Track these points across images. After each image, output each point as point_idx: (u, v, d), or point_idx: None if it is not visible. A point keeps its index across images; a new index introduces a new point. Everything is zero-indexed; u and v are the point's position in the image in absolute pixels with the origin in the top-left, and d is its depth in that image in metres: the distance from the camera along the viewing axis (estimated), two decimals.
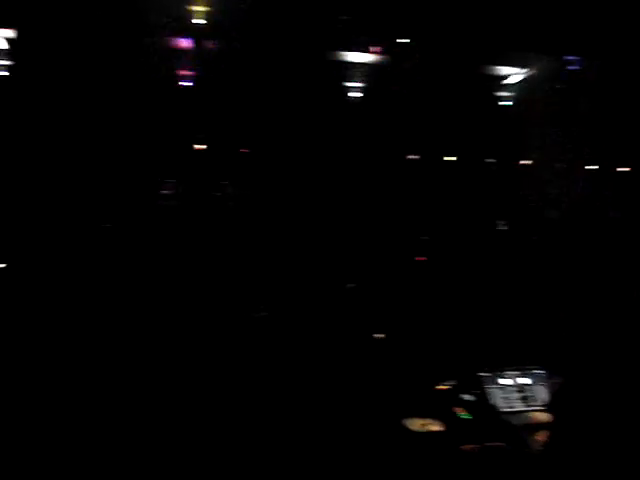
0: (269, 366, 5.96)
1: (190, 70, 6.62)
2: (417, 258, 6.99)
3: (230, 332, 6.23)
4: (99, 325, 5.97)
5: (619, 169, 7.33)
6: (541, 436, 5.07)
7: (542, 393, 5.50)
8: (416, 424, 5.28)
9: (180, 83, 6.67)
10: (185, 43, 6.50)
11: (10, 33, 6.13)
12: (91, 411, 5.47)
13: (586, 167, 7.34)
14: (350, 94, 7.01)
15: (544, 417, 5.25)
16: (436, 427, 5.26)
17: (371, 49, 6.83)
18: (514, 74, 7.04)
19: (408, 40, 6.65)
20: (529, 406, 5.48)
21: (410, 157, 7.20)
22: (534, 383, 5.56)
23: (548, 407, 5.28)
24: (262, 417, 5.58)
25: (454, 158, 7.25)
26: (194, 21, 6.36)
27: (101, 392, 5.59)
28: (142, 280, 6.30)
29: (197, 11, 6.36)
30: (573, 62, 6.86)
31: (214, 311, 6.30)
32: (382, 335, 6.39)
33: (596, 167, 7.35)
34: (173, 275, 6.42)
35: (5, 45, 6.16)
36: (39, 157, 6.31)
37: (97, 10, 6.08)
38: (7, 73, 6.20)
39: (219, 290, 6.44)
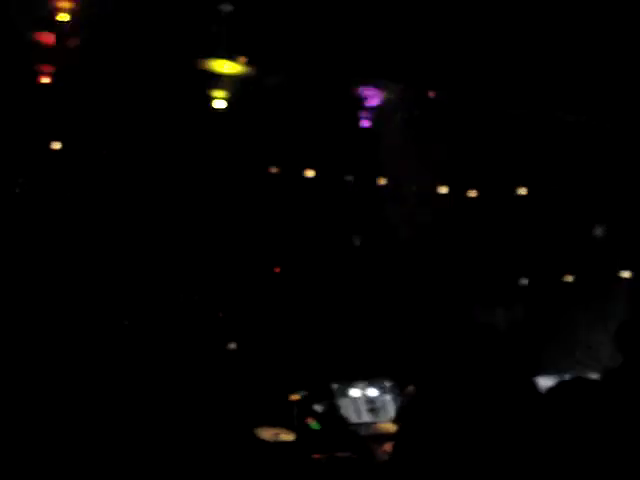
0: (122, 374, 5.87)
1: (50, 66, 6.45)
2: (273, 270, 7.07)
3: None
4: None
5: (469, 193, 7.69)
6: (387, 447, 5.24)
7: (390, 405, 5.69)
8: (267, 433, 5.34)
9: (40, 79, 6.49)
10: (47, 38, 6.33)
11: None
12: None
13: (437, 190, 7.65)
14: (214, 105, 7.01)
15: (391, 428, 5.42)
16: (287, 436, 5.34)
17: (238, 60, 6.87)
18: (375, 97, 7.27)
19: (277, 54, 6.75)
20: (377, 417, 5.65)
21: (271, 170, 7.28)
22: (383, 395, 5.74)
23: (395, 418, 5.46)
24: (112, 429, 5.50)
25: (313, 174, 7.39)
26: (58, 17, 6.21)
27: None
28: None
29: (61, 7, 6.22)
30: (431, 91, 7.16)
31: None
32: (235, 345, 6.42)
33: (446, 190, 7.68)
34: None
35: None
36: None
37: None
38: None
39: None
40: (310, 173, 7.40)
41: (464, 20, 6.66)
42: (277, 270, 7.07)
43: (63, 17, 6.30)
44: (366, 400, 5.71)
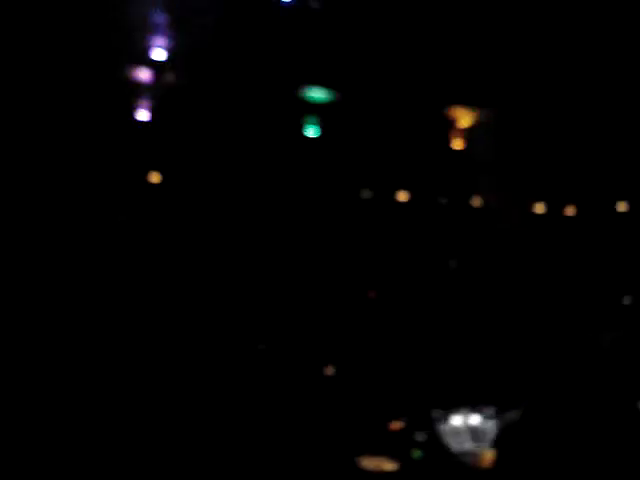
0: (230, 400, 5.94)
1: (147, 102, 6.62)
2: (368, 294, 7.05)
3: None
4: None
5: (567, 211, 7.52)
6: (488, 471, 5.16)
7: (494, 432, 5.58)
8: (369, 463, 5.31)
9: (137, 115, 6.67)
10: (144, 75, 6.50)
11: None
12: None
13: (534, 210, 7.51)
14: (305, 131, 7.08)
15: (494, 455, 5.33)
16: (389, 466, 5.30)
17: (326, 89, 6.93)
18: (462, 117, 7.21)
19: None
20: (481, 445, 5.55)
21: (363, 194, 7.29)
22: (486, 421, 5.64)
23: (495, 444, 5.37)
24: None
25: (406, 197, 7.36)
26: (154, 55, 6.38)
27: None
28: None
29: (157, 44, 6.39)
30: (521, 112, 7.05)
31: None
32: (333, 371, 6.41)
33: (543, 209, 7.53)
34: None
35: None
36: None
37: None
38: None
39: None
40: (403, 196, 7.38)
41: (558, 40, 6.55)
42: (372, 295, 7.05)
43: (159, 54, 6.48)
44: (469, 427, 5.62)
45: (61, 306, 6.18)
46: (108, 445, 5.34)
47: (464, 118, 7.08)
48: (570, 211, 7.61)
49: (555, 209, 7.57)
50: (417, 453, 5.44)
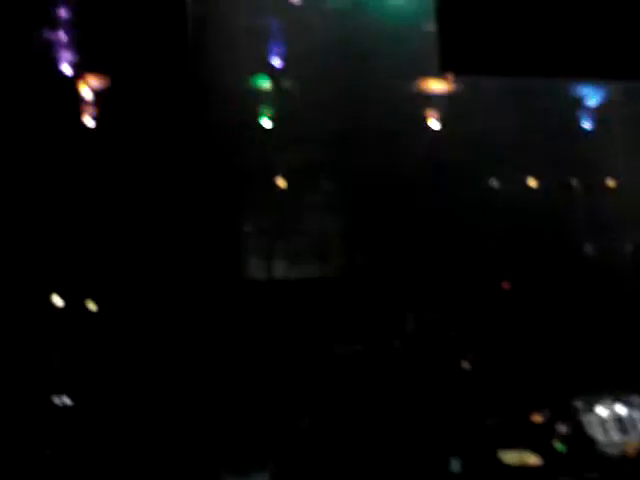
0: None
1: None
2: (504, 285, 6.91)
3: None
4: None
5: None
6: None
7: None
8: (511, 457, 5.20)
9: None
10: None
11: None
12: None
13: None
14: (429, 124, 7.00)
15: None
16: (532, 460, 5.17)
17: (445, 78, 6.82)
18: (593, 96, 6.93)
19: None
20: (627, 436, 5.33)
21: (492, 182, 7.15)
22: (632, 411, 5.41)
23: None
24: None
25: (536, 182, 7.17)
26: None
27: None
28: None
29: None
30: None
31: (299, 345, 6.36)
32: (468, 365, 6.32)
33: None
34: None
35: None
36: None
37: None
38: None
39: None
40: (533, 182, 7.19)
41: None
42: (506, 286, 6.91)
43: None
44: (614, 418, 5.40)
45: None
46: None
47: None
48: None
49: None
50: (560, 446, 5.28)
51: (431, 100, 6.89)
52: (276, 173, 6.87)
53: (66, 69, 6.24)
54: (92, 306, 6.29)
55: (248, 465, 5.43)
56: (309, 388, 6.09)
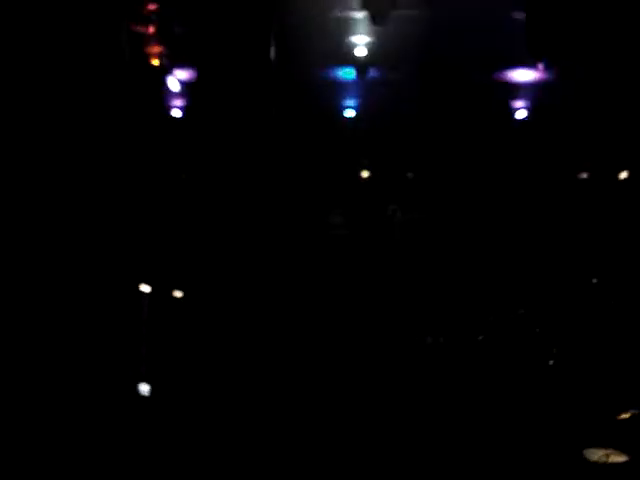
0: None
1: (353, 99, 6.74)
2: (590, 280, 6.74)
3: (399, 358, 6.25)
4: None
5: None
6: None
7: None
8: (597, 455, 5.08)
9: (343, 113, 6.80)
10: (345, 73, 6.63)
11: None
12: None
13: None
14: (516, 115, 6.90)
15: None
16: (618, 458, 5.04)
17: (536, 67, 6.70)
18: None
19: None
20: None
21: (582, 175, 6.99)
22: None
23: None
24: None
25: (626, 175, 6.98)
26: (356, 51, 6.48)
27: None
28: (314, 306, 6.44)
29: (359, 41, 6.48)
30: None
31: (386, 337, 6.35)
32: (553, 361, 6.20)
33: None
34: (344, 301, 6.53)
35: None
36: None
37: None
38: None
39: (390, 316, 6.48)
40: (623, 175, 7.00)
41: None
42: (593, 281, 6.73)
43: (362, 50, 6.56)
44: None
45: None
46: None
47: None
48: None
49: None
50: None
51: (519, 90, 6.79)
52: (360, 164, 6.89)
53: (155, 61, 6.38)
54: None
55: None
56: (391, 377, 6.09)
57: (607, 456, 5.03)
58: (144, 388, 5.91)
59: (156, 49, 6.24)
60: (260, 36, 6.22)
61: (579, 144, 6.83)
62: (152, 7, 6.24)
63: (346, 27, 6.48)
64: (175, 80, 6.35)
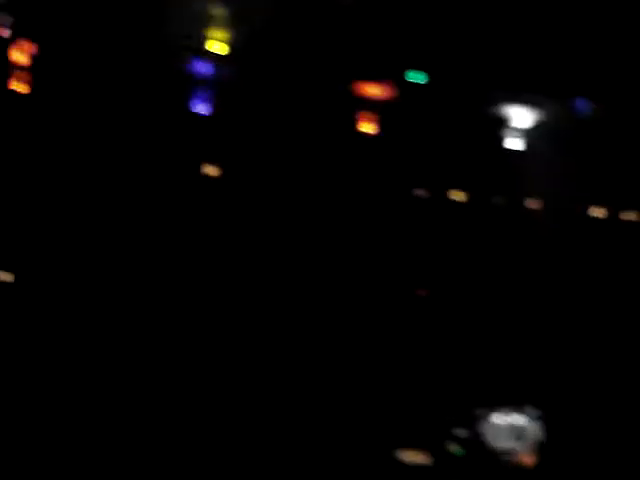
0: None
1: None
2: (418, 292, 7.02)
3: None
4: None
5: (627, 215, 7.36)
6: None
7: (535, 433, 5.51)
8: (408, 455, 5.29)
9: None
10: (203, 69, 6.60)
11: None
12: None
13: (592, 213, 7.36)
14: (362, 128, 7.09)
15: (536, 456, 5.25)
16: (426, 460, 5.27)
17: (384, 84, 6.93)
18: (522, 116, 7.12)
19: None
20: (522, 445, 5.48)
21: (418, 192, 7.27)
22: (528, 422, 5.57)
23: (540, 446, 5.29)
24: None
25: (461, 196, 7.32)
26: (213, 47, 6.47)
27: None
28: None
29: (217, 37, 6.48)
30: (582, 106, 6.92)
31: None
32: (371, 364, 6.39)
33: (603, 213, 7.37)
34: None
35: None
36: None
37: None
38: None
39: None
40: (458, 195, 7.33)
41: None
42: (422, 293, 7.02)
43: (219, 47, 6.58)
44: (510, 427, 5.55)
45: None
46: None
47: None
48: (630, 216, 7.46)
49: (614, 213, 7.43)
50: (457, 449, 5.40)
51: (367, 104, 6.98)
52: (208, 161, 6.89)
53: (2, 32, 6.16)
54: None
55: None
56: None
57: (417, 457, 5.25)
58: None
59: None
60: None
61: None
62: None
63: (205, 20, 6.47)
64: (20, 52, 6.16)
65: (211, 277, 6.59)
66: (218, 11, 6.41)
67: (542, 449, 5.10)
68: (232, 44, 6.61)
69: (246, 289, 6.59)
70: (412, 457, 5.32)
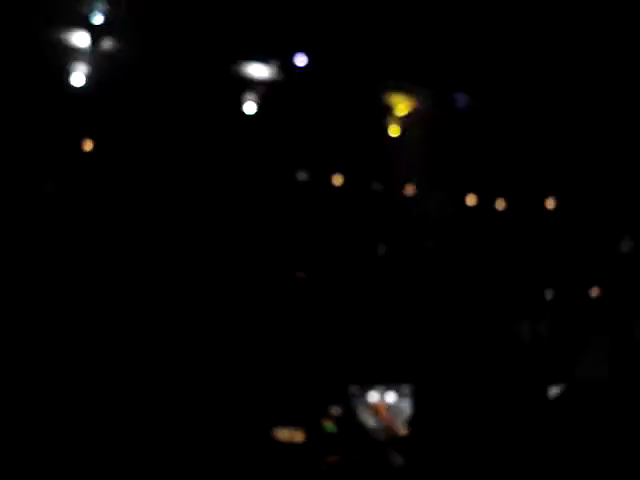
0: None
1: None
2: (297, 275, 7.10)
3: None
4: None
5: (497, 204, 7.65)
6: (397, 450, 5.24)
7: (408, 409, 5.66)
8: (282, 434, 5.35)
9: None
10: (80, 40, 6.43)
11: None
12: None
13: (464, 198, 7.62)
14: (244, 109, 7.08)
15: (407, 432, 5.40)
16: (301, 437, 5.35)
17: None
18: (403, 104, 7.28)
19: None
20: (395, 422, 5.63)
21: (299, 176, 7.34)
22: (400, 399, 5.72)
23: (408, 422, 5.44)
24: None
25: (341, 181, 7.43)
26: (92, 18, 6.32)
27: None
28: None
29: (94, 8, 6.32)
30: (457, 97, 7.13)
31: None
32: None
33: (475, 200, 7.64)
34: None
35: None
36: None
37: None
38: None
39: None
40: (338, 180, 7.44)
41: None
42: (301, 275, 7.10)
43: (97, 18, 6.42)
44: (383, 404, 5.70)
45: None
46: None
47: (401, 105, 7.16)
48: (501, 205, 7.75)
49: (487, 202, 7.71)
50: (331, 426, 5.49)
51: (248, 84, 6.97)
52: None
53: None
54: None
55: None
56: None
57: (291, 435, 5.32)
58: None
59: None
60: None
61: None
62: None
63: None
64: None
65: None
66: None
67: (413, 425, 5.25)
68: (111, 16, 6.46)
69: None
70: (285, 435, 5.38)
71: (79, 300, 6.24)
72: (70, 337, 5.96)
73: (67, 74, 6.46)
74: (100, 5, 6.24)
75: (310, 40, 6.84)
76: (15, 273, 6.16)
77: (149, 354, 6.00)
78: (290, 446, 5.29)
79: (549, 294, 7.55)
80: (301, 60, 6.81)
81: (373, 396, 5.72)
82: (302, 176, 7.41)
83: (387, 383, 5.79)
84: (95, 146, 6.75)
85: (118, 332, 6.08)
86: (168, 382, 5.81)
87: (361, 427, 5.59)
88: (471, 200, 7.68)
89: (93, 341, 5.97)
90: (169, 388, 5.77)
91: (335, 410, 5.64)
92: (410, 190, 7.47)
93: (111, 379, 5.72)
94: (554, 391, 4.27)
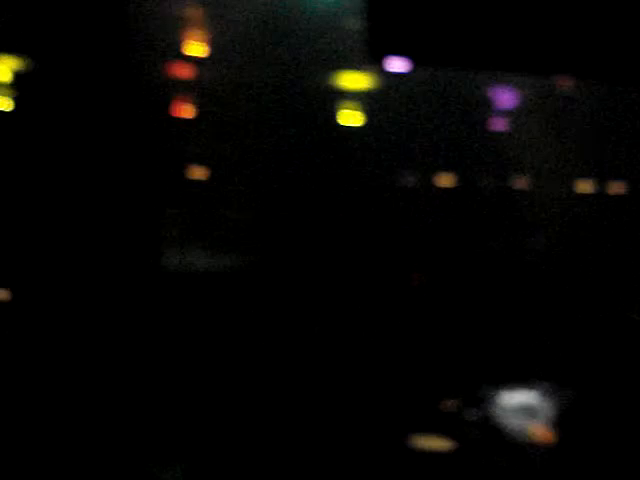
0: None
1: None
2: (413, 277, 7.03)
3: None
4: None
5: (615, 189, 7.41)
6: (544, 451, 5.09)
7: (548, 410, 5.51)
8: (421, 442, 5.28)
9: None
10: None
11: None
12: None
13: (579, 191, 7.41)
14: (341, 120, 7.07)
15: (550, 434, 5.25)
16: (442, 445, 5.26)
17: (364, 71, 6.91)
18: (506, 97, 7.14)
19: None
20: (534, 424, 5.48)
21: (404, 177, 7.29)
22: (540, 399, 5.56)
23: (554, 424, 5.29)
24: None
25: (447, 181, 7.33)
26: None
27: None
28: None
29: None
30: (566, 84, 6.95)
31: None
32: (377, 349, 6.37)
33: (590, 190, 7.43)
34: None
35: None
36: None
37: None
38: None
39: None
40: (445, 180, 7.34)
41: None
42: (416, 277, 7.03)
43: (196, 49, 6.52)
44: (522, 406, 5.55)
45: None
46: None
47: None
48: (616, 189, 7.51)
49: (601, 187, 7.48)
50: (470, 432, 5.39)
51: (350, 95, 6.97)
52: (196, 163, 6.83)
53: None
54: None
55: None
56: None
57: (432, 443, 5.24)
58: None
59: None
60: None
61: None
62: None
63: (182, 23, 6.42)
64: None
65: None
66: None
67: (556, 426, 5.10)
68: None
69: None
70: (424, 443, 5.30)
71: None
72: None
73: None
74: None
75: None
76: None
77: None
78: (431, 454, 5.22)
79: None
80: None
81: (511, 397, 5.58)
82: (410, 177, 7.37)
83: (524, 382, 5.65)
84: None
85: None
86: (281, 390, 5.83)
87: (499, 431, 5.47)
88: (584, 187, 7.48)
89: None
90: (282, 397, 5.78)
91: (470, 414, 5.54)
92: (523, 184, 7.32)
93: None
94: None
